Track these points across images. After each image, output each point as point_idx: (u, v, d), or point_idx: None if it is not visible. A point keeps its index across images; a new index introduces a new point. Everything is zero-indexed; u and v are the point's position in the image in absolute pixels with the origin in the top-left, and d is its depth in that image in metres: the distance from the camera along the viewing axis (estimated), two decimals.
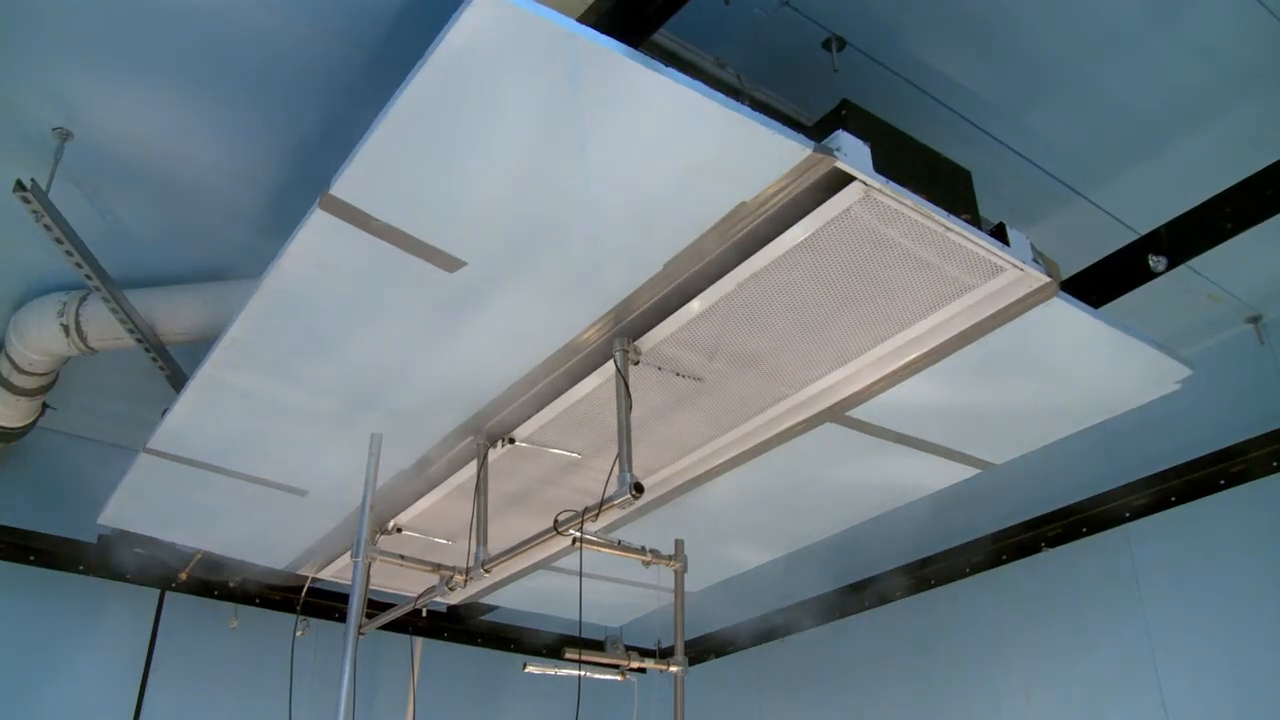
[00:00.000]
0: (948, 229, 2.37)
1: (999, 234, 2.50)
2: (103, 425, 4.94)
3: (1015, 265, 2.50)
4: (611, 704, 4.30)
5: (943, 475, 3.67)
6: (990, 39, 2.94)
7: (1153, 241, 3.20)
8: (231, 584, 5.09)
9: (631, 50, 1.98)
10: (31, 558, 4.67)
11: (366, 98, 2.70)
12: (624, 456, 2.81)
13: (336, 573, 4.57)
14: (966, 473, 3.65)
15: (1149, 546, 4.25)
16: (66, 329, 3.68)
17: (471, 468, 3.51)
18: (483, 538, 3.40)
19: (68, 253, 3.25)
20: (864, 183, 2.23)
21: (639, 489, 2.76)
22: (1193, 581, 4.06)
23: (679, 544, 3.33)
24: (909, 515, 4.04)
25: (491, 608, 5.75)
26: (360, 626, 3.22)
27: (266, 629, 5.10)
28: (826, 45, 2.94)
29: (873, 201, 2.28)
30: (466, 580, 3.43)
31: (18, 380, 3.92)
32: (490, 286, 2.66)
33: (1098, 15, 2.85)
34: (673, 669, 3.19)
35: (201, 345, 3.30)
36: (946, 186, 2.56)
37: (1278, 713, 3.69)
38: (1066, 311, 2.71)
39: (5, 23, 2.74)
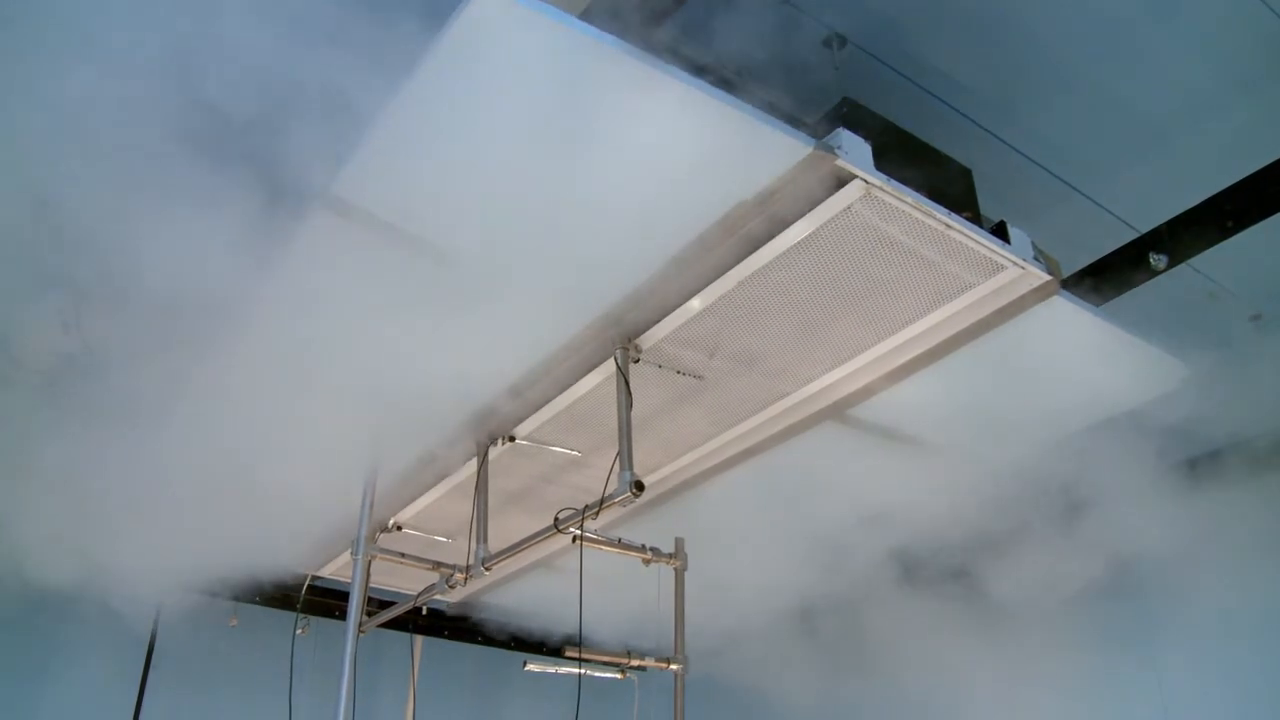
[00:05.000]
0: (948, 227, 2.36)
1: (1000, 232, 2.50)
2: None
3: (1016, 263, 2.50)
4: (612, 702, 4.30)
5: (941, 474, 3.67)
6: (991, 37, 2.94)
7: (1154, 239, 3.19)
8: (231, 582, 5.08)
9: (632, 47, 1.98)
10: None
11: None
12: (624, 454, 2.81)
13: (336, 570, 4.57)
14: (965, 471, 3.64)
15: (1150, 544, 4.25)
16: (67, 328, 3.67)
17: (471, 465, 3.51)
18: (483, 536, 3.40)
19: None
20: (864, 180, 2.23)
21: (640, 487, 2.77)
22: (1194, 577, 4.06)
23: (679, 542, 3.33)
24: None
25: (492, 605, 5.74)
26: (360, 624, 3.22)
27: (266, 627, 5.09)
28: (827, 43, 2.94)
29: (873, 199, 2.28)
30: (467, 578, 3.43)
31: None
32: (491, 283, 2.65)
33: (1099, 13, 2.84)
34: (673, 667, 3.20)
35: None
36: (947, 184, 2.56)
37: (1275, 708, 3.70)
38: (1067, 310, 2.71)
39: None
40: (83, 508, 3.97)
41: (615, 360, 2.85)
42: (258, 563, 4.61)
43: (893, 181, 2.25)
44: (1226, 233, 3.05)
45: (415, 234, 2.46)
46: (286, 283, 2.69)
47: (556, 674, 3.50)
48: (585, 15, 2.51)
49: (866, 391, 3.07)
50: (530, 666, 3.53)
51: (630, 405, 2.84)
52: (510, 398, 3.19)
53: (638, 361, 2.89)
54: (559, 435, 3.37)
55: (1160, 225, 3.22)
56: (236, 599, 5.13)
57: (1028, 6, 2.82)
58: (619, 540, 3.11)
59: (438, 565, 3.53)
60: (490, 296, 2.70)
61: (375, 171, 2.30)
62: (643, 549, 3.17)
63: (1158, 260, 3.10)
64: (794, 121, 2.51)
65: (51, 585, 4.51)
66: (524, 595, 5.00)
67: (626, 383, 2.83)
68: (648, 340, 2.85)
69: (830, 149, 2.18)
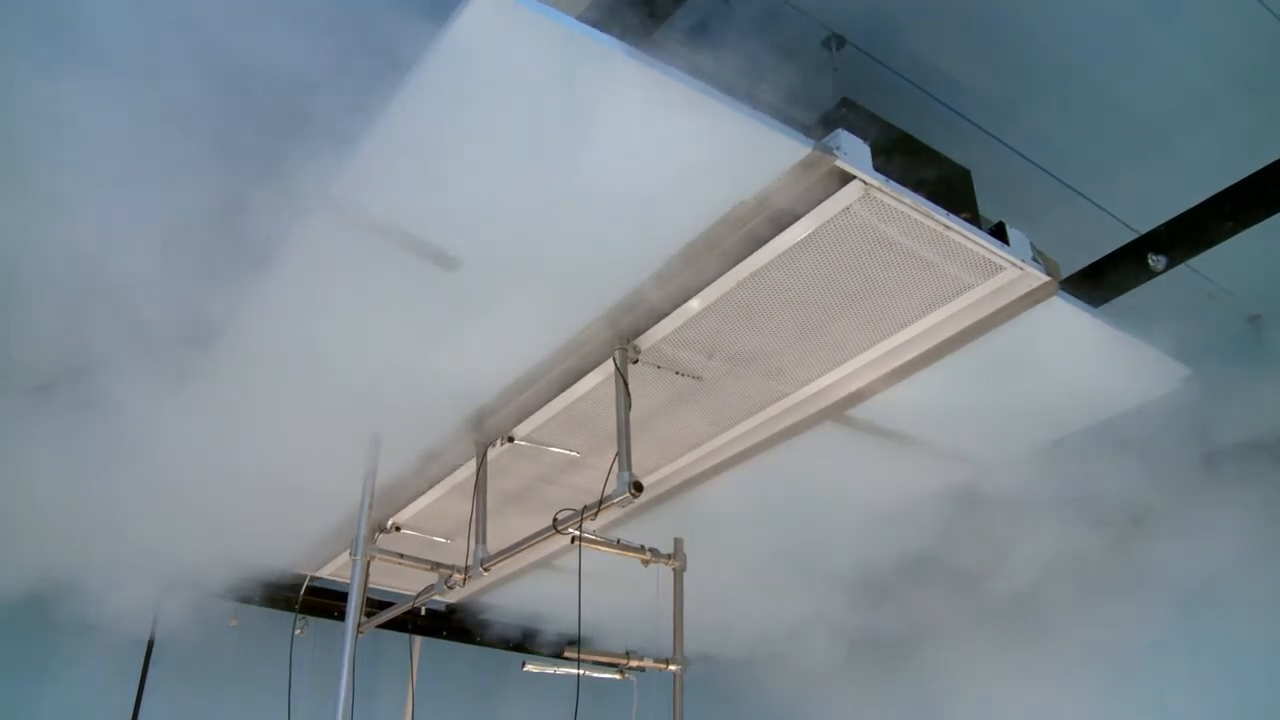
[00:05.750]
0: (947, 228, 2.36)
1: (998, 233, 2.50)
2: None
3: (1015, 264, 2.50)
4: (611, 703, 4.29)
5: (940, 475, 3.67)
6: (990, 38, 2.94)
7: (1152, 240, 3.19)
8: (230, 582, 5.07)
9: (631, 49, 1.98)
10: None
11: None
12: (623, 455, 2.81)
13: (335, 571, 4.57)
14: (964, 472, 3.65)
15: (1149, 546, 4.25)
16: (65, 328, 3.67)
17: (470, 466, 3.51)
18: (482, 536, 3.40)
19: None
20: (863, 181, 2.23)
21: (638, 487, 2.76)
22: (1194, 577, 4.06)
23: (678, 543, 3.33)
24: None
25: (490, 606, 5.74)
26: (359, 625, 3.22)
27: (265, 627, 5.09)
28: (826, 44, 2.94)
29: (872, 200, 2.28)
30: (465, 579, 3.43)
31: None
32: (490, 284, 2.66)
33: (1099, 13, 2.84)
34: (671, 668, 3.19)
35: None
36: (946, 185, 2.56)
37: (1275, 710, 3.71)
38: (1066, 310, 2.71)
39: None
40: (82, 507, 3.97)
41: (614, 361, 2.85)
42: (257, 563, 4.61)
43: (891, 182, 2.25)
44: (1226, 233, 3.06)
45: (415, 234, 2.46)
46: (286, 283, 2.69)
47: (555, 675, 3.50)
48: (585, 15, 2.51)
49: (866, 392, 3.07)
50: (529, 667, 3.53)
51: (629, 406, 2.84)
52: (509, 398, 3.19)
53: (636, 362, 2.89)
54: (558, 436, 3.37)
55: (1160, 226, 3.23)
56: (236, 599, 5.13)
57: (1028, 6, 2.82)
58: (618, 541, 3.11)
59: (436, 566, 3.53)
60: (490, 297, 2.70)
61: (375, 171, 2.29)
62: (641, 549, 3.17)
63: (1156, 261, 3.11)
64: (793, 122, 2.52)
65: (51, 585, 4.51)
66: (523, 596, 5.00)
67: (625, 383, 2.83)
68: (647, 341, 2.85)
69: (829, 150, 2.19)
